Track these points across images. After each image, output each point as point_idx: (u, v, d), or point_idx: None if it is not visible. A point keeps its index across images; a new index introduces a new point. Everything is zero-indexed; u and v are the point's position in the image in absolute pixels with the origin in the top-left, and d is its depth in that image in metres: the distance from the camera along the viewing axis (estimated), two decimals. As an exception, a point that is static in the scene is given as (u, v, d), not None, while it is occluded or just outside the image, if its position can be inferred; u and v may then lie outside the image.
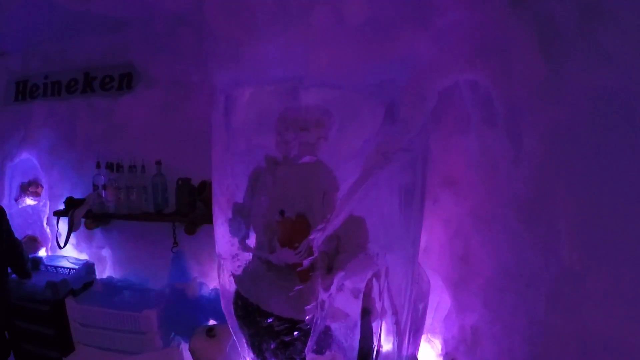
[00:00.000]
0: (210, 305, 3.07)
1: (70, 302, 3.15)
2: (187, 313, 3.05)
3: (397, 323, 2.11)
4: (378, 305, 2.04)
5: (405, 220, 2.08)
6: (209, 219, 2.81)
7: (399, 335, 2.12)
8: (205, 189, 2.91)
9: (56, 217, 3.54)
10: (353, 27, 1.84)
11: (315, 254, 1.90)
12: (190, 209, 3.02)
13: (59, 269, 3.47)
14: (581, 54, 1.71)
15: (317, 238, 1.89)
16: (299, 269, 1.93)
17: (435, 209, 2.53)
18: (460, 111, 2.37)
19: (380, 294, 2.03)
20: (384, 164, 1.89)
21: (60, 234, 3.56)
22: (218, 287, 3.01)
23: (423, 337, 2.53)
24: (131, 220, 3.26)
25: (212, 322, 3.07)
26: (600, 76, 1.65)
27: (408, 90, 1.96)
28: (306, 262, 1.91)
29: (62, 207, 3.49)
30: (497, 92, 2.01)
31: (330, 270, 1.98)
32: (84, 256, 3.70)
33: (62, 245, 3.42)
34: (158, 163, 3.15)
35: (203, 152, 2.96)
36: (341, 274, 1.93)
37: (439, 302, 2.64)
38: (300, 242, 1.91)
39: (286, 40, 1.94)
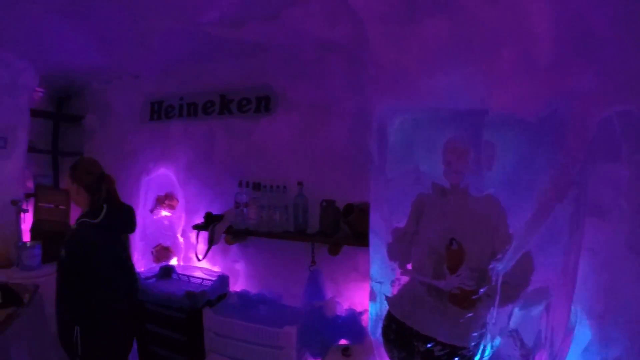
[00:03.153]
0: (344, 325, 3.18)
1: (207, 313, 3.32)
2: (321, 331, 3.16)
3: (551, 355, 2.16)
4: (543, 336, 2.12)
5: (567, 253, 2.12)
6: (352, 241, 2.96)
7: (549, 367, 2.17)
8: (352, 211, 3.01)
9: (195, 231, 3.77)
10: (537, 65, 1.95)
11: (493, 283, 1.99)
12: (334, 230, 3.15)
13: (191, 279, 3.72)
14: None
15: (495, 268, 1.99)
16: (473, 297, 2.01)
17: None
18: (607, 139, 2.41)
19: (547, 325, 2.11)
20: (561, 197, 1.96)
21: (198, 247, 3.78)
22: (353, 307, 3.17)
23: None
24: (270, 238, 3.42)
25: (343, 341, 3.18)
26: None
27: (572, 122, 2.03)
28: (481, 291, 2.01)
29: (199, 221, 3.75)
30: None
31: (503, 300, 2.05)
32: (216, 268, 3.93)
33: (200, 257, 3.65)
34: (300, 184, 3.29)
35: (345, 175, 3.15)
36: (518, 303, 2.04)
37: (577, 333, 2.66)
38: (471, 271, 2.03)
39: (465, 74, 2.06)
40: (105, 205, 2.48)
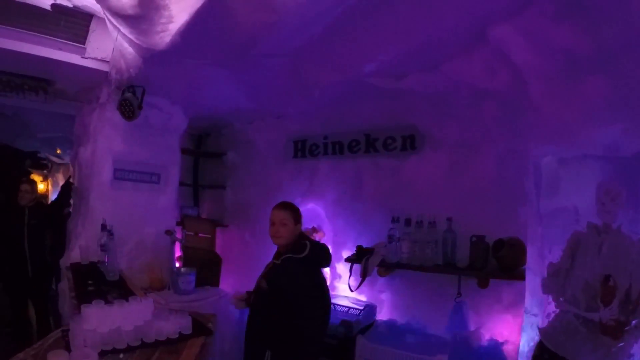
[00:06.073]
0: (487, 354, 3.52)
1: (361, 340, 3.69)
2: (466, 360, 3.54)
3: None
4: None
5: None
6: (501, 274, 3.33)
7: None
8: (503, 246, 3.32)
9: (342, 261, 4.25)
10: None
11: None
12: (483, 264, 3.47)
13: (337, 307, 4.09)
14: None
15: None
16: (626, 328, 2.36)
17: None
18: None
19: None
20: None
21: (350, 278, 4.20)
22: (494, 337, 3.52)
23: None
24: (422, 272, 3.78)
25: (483, 370, 3.53)
26: None
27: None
28: (633, 322, 2.36)
29: (347, 253, 4.26)
30: None
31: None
32: (362, 297, 4.34)
33: (353, 289, 4.10)
34: (449, 220, 3.67)
35: (490, 211, 3.53)
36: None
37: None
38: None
39: (622, 127, 2.47)
40: (307, 242, 2.86)
